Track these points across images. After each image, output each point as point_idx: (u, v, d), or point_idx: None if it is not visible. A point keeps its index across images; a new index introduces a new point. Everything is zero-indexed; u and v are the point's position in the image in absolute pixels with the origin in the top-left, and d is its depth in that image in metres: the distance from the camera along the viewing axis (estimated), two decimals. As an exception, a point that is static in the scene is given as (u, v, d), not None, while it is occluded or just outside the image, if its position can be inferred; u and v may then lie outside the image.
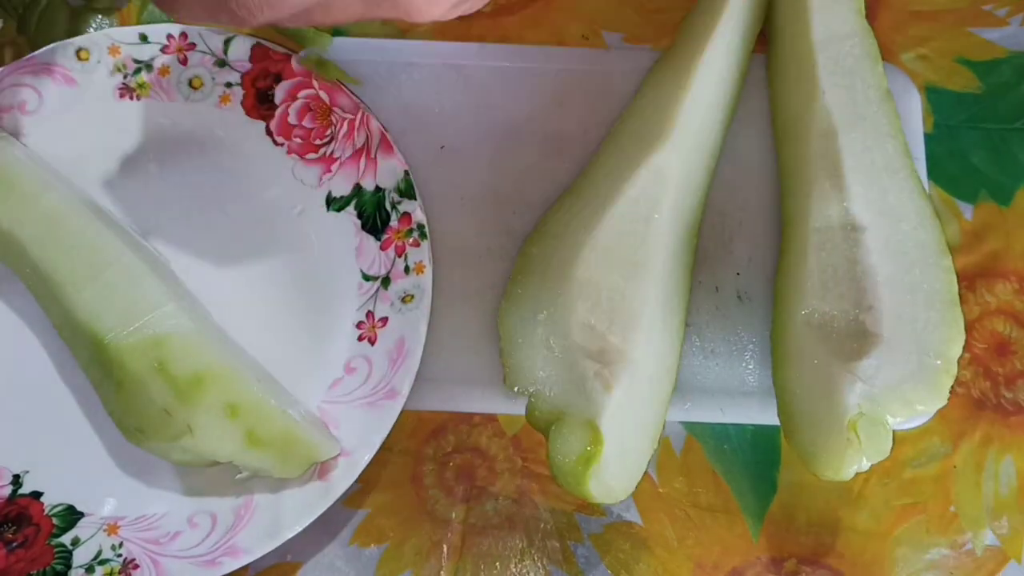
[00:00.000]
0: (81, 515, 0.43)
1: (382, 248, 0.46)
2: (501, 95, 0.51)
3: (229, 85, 0.48)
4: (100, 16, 0.52)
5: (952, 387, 0.42)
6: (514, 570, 0.45)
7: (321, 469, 0.43)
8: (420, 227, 0.46)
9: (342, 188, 0.47)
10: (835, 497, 0.46)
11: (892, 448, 0.40)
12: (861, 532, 0.45)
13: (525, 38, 0.52)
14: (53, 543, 0.42)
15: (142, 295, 0.42)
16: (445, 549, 0.45)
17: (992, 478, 0.46)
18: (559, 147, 0.50)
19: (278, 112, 0.48)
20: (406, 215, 0.46)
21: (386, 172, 0.47)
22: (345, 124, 0.48)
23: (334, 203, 0.47)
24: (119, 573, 0.42)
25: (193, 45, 0.48)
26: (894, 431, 0.41)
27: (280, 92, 0.48)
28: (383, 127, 0.47)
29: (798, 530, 0.45)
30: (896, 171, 0.45)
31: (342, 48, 0.51)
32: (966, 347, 0.48)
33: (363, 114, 0.47)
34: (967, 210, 0.50)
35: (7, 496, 0.43)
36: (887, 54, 0.48)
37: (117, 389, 0.41)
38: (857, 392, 0.41)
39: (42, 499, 0.43)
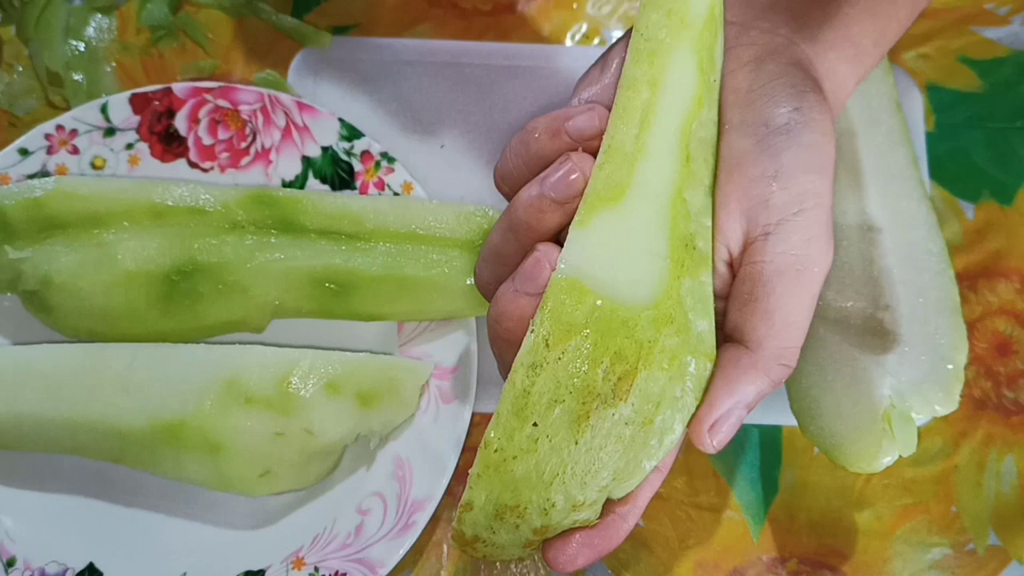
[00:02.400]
0: (263, 572, 0.43)
1: (362, 192, 0.47)
2: (501, 93, 0.50)
3: (130, 146, 0.47)
4: (99, 15, 0.52)
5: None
6: (514, 570, 0.44)
7: (441, 394, 0.44)
8: (383, 155, 0.47)
9: (292, 169, 0.48)
10: (837, 497, 0.46)
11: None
12: (863, 532, 0.45)
13: (525, 36, 0.52)
14: None
15: (173, 372, 0.42)
16: (445, 549, 0.45)
17: (994, 478, 0.46)
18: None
19: (190, 142, 0.48)
20: (365, 153, 0.47)
21: (322, 130, 0.47)
22: (259, 114, 0.48)
23: (292, 185, 0.47)
24: None
25: (75, 131, 0.47)
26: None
27: (181, 123, 0.48)
28: (294, 97, 0.48)
29: (799, 530, 0.45)
30: (907, 179, 0.45)
31: (342, 47, 0.51)
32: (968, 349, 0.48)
33: (268, 96, 0.47)
34: (969, 209, 0.50)
35: None
36: (889, 52, 0.48)
37: (216, 454, 0.41)
38: (888, 385, 0.41)
39: None
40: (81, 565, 0.43)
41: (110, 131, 0.47)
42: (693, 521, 0.45)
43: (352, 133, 0.47)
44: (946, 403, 0.41)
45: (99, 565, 0.43)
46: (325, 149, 0.47)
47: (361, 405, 0.42)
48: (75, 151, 0.47)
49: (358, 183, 0.47)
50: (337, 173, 0.47)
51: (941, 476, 0.46)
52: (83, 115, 0.47)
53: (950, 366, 0.41)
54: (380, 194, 0.47)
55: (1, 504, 0.43)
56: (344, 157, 0.47)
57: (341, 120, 0.47)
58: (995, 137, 0.51)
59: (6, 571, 0.42)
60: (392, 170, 0.47)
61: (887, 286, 0.43)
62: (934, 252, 0.44)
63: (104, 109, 0.47)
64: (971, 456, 0.46)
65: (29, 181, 0.44)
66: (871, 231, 0.44)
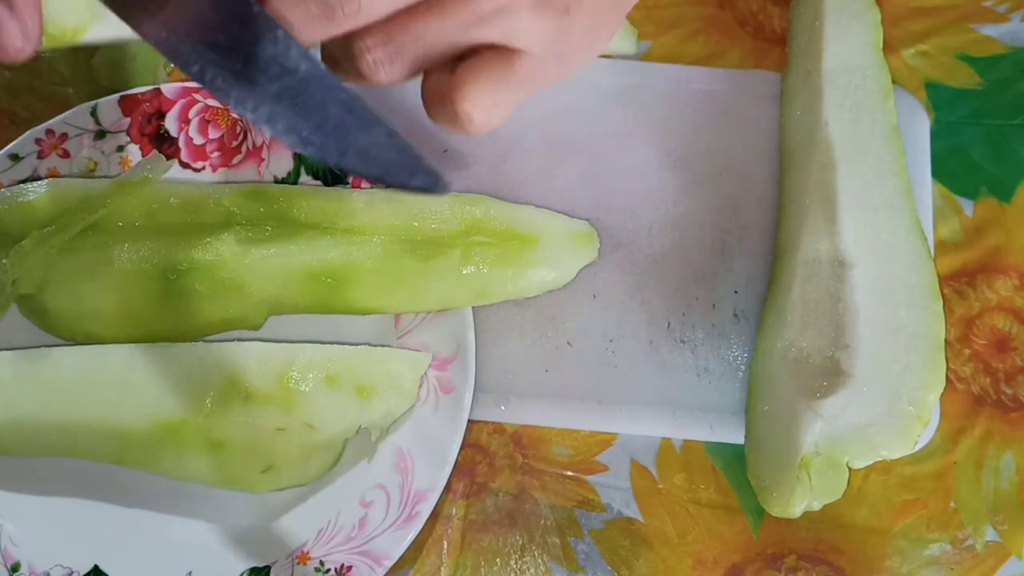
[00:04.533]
0: (268, 568, 0.43)
1: (354, 187, 0.47)
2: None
3: (121, 148, 0.47)
4: (99, 13, 0.52)
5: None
6: (514, 566, 0.45)
7: (440, 384, 0.44)
8: None
9: (284, 166, 0.47)
10: (835, 493, 0.46)
11: (846, 490, 0.40)
12: (861, 528, 0.45)
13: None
14: None
15: (168, 373, 0.42)
16: (445, 545, 0.45)
17: (992, 474, 0.46)
18: (562, 155, 0.49)
19: (181, 142, 0.47)
20: None
21: None
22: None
23: (285, 182, 0.47)
24: None
25: (64, 135, 0.46)
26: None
27: (171, 124, 0.47)
28: None
29: (798, 526, 0.45)
30: (894, 209, 0.45)
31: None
32: (966, 343, 0.48)
33: None
34: (968, 206, 0.50)
35: None
36: (887, 50, 0.48)
37: (217, 451, 0.41)
38: (816, 431, 0.41)
39: None
40: (86, 568, 0.43)
41: (100, 134, 0.47)
42: (692, 517, 0.45)
43: None
44: (897, 446, 0.41)
45: (104, 567, 0.43)
46: None
47: (361, 397, 0.42)
48: (66, 155, 0.47)
49: (350, 178, 0.47)
50: (329, 169, 0.47)
51: (940, 472, 0.46)
52: (73, 118, 0.47)
53: (911, 407, 0.41)
54: (372, 188, 0.47)
55: (3, 509, 0.43)
56: None
57: None
58: (994, 134, 0.51)
59: None
60: None
61: (850, 324, 0.43)
62: (917, 286, 0.43)
63: (94, 112, 0.47)
64: (970, 452, 0.46)
65: (21, 185, 0.44)
66: (842, 267, 0.44)
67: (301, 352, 0.43)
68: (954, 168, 0.50)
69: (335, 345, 0.43)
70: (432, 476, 0.43)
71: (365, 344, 0.44)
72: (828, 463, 0.40)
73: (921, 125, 0.50)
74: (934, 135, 0.50)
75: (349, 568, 0.42)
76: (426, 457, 0.43)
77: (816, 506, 0.40)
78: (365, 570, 0.42)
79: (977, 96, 0.52)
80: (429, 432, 0.44)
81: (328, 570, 0.42)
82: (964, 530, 0.45)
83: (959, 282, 0.49)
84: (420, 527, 0.42)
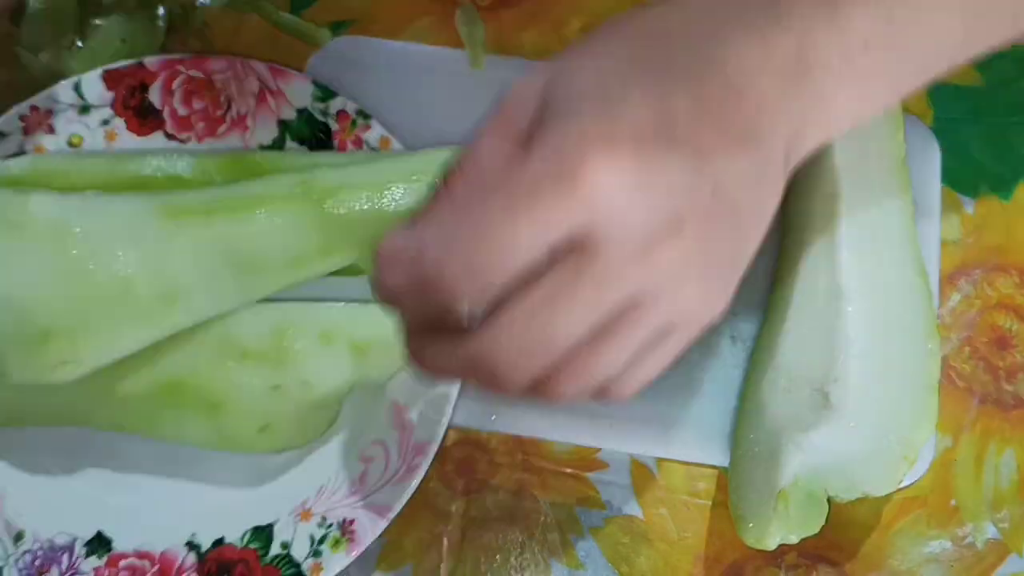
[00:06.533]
0: (271, 526, 0.43)
1: (339, 150, 0.47)
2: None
3: (106, 122, 0.47)
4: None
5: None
6: (514, 563, 0.45)
7: None
8: (359, 113, 0.47)
9: (269, 133, 0.47)
10: (836, 490, 0.46)
11: (825, 524, 0.40)
12: (861, 525, 0.45)
13: (525, 32, 0.52)
14: (268, 563, 0.43)
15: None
16: (445, 542, 0.45)
17: (993, 471, 0.46)
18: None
19: (166, 114, 0.48)
20: (340, 113, 0.47)
21: (296, 93, 0.47)
22: (231, 82, 0.48)
23: (272, 149, 0.47)
24: (343, 536, 0.42)
25: (50, 111, 0.47)
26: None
27: (155, 96, 0.48)
28: (266, 62, 0.47)
29: (799, 524, 0.45)
30: (895, 245, 0.44)
31: (343, 46, 0.51)
32: (967, 341, 0.48)
33: (240, 63, 0.47)
34: (968, 204, 0.50)
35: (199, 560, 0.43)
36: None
37: (215, 412, 0.41)
38: (797, 463, 0.40)
39: (227, 541, 0.43)
40: (89, 534, 0.43)
41: (85, 108, 0.47)
42: (693, 514, 0.45)
43: (326, 94, 0.47)
44: (880, 484, 0.40)
45: (107, 532, 0.43)
46: (300, 112, 0.47)
47: (355, 354, 0.42)
48: (51, 130, 0.47)
49: (335, 142, 0.47)
50: (314, 134, 0.47)
51: (940, 469, 0.46)
52: (57, 94, 0.47)
53: (897, 446, 0.41)
54: (357, 150, 0.47)
55: (5, 479, 0.44)
56: (320, 118, 0.47)
57: (315, 82, 0.47)
58: (994, 132, 0.51)
59: (15, 545, 0.42)
60: (368, 127, 0.47)
61: (843, 358, 0.42)
62: (913, 325, 0.43)
63: (77, 87, 0.47)
64: (970, 450, 0.46)
65: (5, 161, 0.44)
66: (839, 300, 0.43)
67: (294, 310, 0.43)
68: (954, 166, 0.50)
69: (329, 303, 0.43)
70: (430, 430, 0.43)
71: (359, 302, 0.44)
72: (808, 497, 0.40)
73: (932, 156, 0.50)
74: (934, 133, 0.50)
75: (352, 521, 0.42)
76: (423, 411, 0.43)
77: (793, 539, 0.40)
78: (368, 523, 0.42)
79: (978, 94, 0.52)
80: (424, 387, 0.44)
81: (331, 524, 0.42)
82: (964, 527, 0.45)
83: (960, 280, 0.49)
84: (421, 478, 0.43)
